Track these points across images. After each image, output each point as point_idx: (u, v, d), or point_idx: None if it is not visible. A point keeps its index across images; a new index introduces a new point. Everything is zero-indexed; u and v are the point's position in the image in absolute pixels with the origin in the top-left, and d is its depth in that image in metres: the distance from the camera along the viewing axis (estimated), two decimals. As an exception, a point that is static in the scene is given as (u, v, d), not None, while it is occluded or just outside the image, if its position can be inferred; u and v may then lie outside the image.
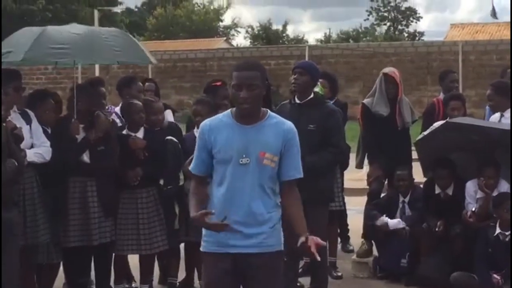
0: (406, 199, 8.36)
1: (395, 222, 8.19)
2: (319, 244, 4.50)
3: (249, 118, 4.57)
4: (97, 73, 14.20)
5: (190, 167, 4.77)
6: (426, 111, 9.33)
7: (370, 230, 8.45)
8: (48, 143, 7.02)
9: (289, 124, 4.68)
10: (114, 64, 8.75)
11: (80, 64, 7.60)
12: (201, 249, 4.71)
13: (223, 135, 4.56)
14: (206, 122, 4.69)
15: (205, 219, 4.41)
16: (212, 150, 4.59)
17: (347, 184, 9.17)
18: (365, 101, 8.74)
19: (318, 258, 4.46)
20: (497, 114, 8.15)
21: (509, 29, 45.17)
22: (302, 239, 4.48)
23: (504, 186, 7.74)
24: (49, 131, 7.21)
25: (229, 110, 4.69)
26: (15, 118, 6.83)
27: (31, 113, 7.05)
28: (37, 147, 6.94)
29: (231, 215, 4.48)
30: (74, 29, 7.67)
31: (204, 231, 4.66)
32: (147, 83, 9.26)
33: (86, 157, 7.18)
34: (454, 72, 10.02)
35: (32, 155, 6.82)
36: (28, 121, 7.00)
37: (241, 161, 4.51)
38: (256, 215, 4.55)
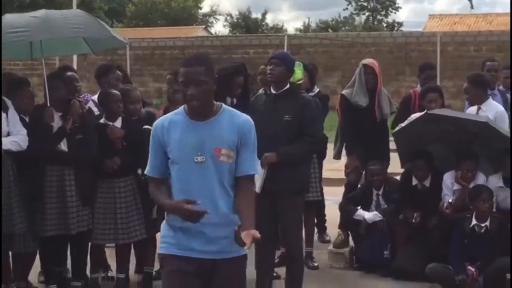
0: (380, 192, 8.39)
1: (371, 215, 8.22)
2: (255, 237, 4.16)
3: (201, 114, 4.35)
4: (74, 60, 14.08)
5: (146, 171, 4.52)
6: (402, 101, 9.35)
7: (349, 224, 8.46)
8: (25, 131, 6.98)
9: (244, 117, 4.45)
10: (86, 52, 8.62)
11: (42, 48, 7.46)
12: (160, 251, 4.47)
13: (176, 133, 4.35)
14: (158, 121, 4.46)
15: (184, 205, 4.17)
16: (167, 150, 4.37)
17: (325, 174, 9.17)
18: (344, 92, 8.74)
19: (246, 248, 4.18)
20: (474, 107, 8.18)
21: (486, 21, 45.37)
22: (236, 228, 4.24)
23: (480, 179, 7.77)
24: (27, 119, 7.17)
25: (182, 107, 4.47)
26: None
27: (8, 101, 7.01)
28: (13, 135, 6.90)
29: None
30: (35, 13, 7.58)
31: (163, 231, 4.45)
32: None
33: (63, 146, 7.14)
34: (433, 69, 10.00)
35: (8, 143, 6.79)
36: (5, 109, 6.95)
37: (196, 159, 4.29)
38: (220, 215, 4.31)
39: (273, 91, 6.95)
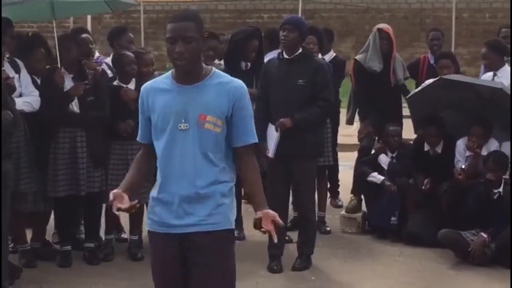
0: (394, 155, 8.38)
1: (378, 178, 8.24)
2: (276, 223, 3.98)
3: (188, 76, 4.02)
4: (88, 23, 14.06)
5: (138, 137, 4.30)
6: (410, 64, 9.30)
7: (361, 186, 8.49)
8: (37, 92, 7.02)
9: (236, 82, 4.08)
10: (104, 12, 8.56)
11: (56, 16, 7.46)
12: (146, 227, 4.30)
13: (161, 98, 4.05)
14: (145, 85, 4.20)
15: (116, 203, 4.01)
16: (150, 116, 4.11)
17: (338, 139, 9.17)
18: (358, 57, 8.71)
19: (275, 240, 3.99)
20: (490, 73, 8.15)
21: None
22: (258, 214, 4.01)
23: (493, 145, 7.76)
24: (39, 81, 7.18)
25: (170, 71, 4.15)
26: (5, 67, 6.82)
27: (20, 62, 7.03)
28: (25, 96, 6.93)
29: (172, 188, 4.05)
30: None
31: (149, 206, 4.25)
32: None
33: (75, 107, 7.16)
34: (437, 30, 9.94)
35: (21, 104, 6.82)
36: (17, 70, 6.98)
37: (180, 126, 3.99)
38: (199, 188, 4.01)
39: (286, 56, 6.96)
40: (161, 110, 4.05)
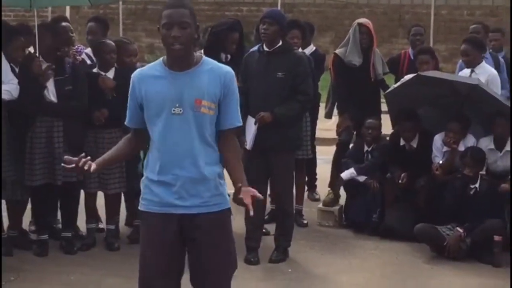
0: (370, 149, 8.42)
1: (348, 173, 8.27)
2: (255, 196, 4.11)
3: (182, 62, 4.15)
4: (67, 13, 14.02)
5: (126, 122, 4.38)
6: (389, 61, 9.33)
7: (345, 183, 8.50)
8: (16, 80, 6.98)
9: (226, 68, 4.27)
10: (83, 4, 8.49)
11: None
12: (140, 207, 4.32)
13: (154, 85, 4.17)
14: (136, 72, 4.30)
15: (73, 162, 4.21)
16: (143, 103, 4.20)
17: (316, 133, 9.20)
18: (338, 51, 8.72)
19: (251, 213, 4.07)
20: (468, 70, 8.20)
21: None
22: (237, 186, 4.09)
23: (470, 141, 7.81)
24: (17, 69, 7.14)
25: (160, 59, 4.27)
26: None
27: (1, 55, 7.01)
28: (4, 84, 6.90)
29: (174, 171, 4.15)
30: None
31: (142, 188, 4.30)
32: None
33: (53, 97, 7.13)
34: (419, 26, 9.97)
35: (4, 93, 6.79)
36: None
37: (173, 110, 4.11)
38: (201, 168, 4.15)
39: (266, 49, 6.99)
40: (155, 96, 4.16)
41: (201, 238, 4.21)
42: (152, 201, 4.24)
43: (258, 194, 4.15)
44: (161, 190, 4.20)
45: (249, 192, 4.12)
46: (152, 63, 4.34)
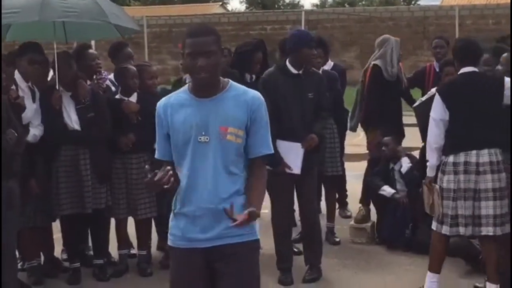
0: (397, 167, 8.35)
1: (391, 191, 8.22)
2: (249, 216, 3.94)
3: (207, 89, 4.04)
4: (92, 41, 14.09)
5: (156, 155, 4.24)
6: (415, 74, 9.32)
7: (374, 199, 8.45)
8: (42, 126, 6.98)
9: (254, 93, 4.12)
10: (114, 37, 8.53)
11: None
12: (168, 242, 4.26)
13: (179, 113, 4.05)
14: (161, 101, 4.17)
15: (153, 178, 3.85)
16: (170, 132, 4.10)
17: (346, 149, 9.15)
18: (377, 61, 8.65)
19: (231, 224, 3.92)
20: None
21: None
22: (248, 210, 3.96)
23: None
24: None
25: (185, 86, 4.19)
26: (24, 92, 6.84)
27: (37, 93, 7.02)
28: (33, 127, 6.91)
29: (195, 202, 4.03)
30: None
31: (170, 221, 4.22)
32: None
33: (76, 125, 7.12)
34: (441, 38, 9.91)
35: (30, 136, 6.81)
36: (34, 98, 6.99)
37: (200, 139, 3.99)
38: (221, 200, 4.00)
39: (293, 70, 6.93)
40: (182, 125, 4.05)
41: (224, 270, 4.09)
42: (177, 236, 4.16)
43: (254, 210, 3.97)
44: (184, 224, 4.11)
45: (248, 212, 3.97)
46: (176, 92, 4.25)
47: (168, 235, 4.24)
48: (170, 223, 4.23)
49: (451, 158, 6.33)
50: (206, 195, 4.01)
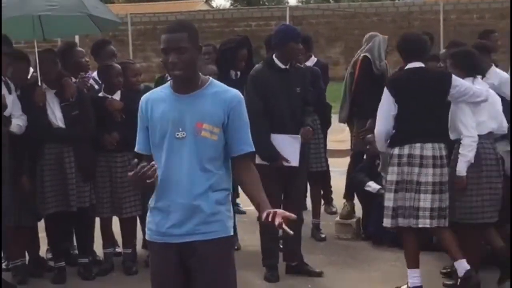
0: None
1: (376, 186, 8.22)
2: (287, 217, 3.90)
3: (185, 86, 4.06)
4: (76, 38, 14.02)
5: (136, 148, 4.26)
6: (400, 68, 9.31)
7: (357, 194, 8.46)
8: (24, 116, 6.94)
9: (233, 91, 4.12)
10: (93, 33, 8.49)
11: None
12: (146, 237, 4.28)
13: (159, 108, 4.09)
14: (144, 96, 4.23)
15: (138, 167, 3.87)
16: (149, 126, 4.14)
17: (329, 145, 9.14)
18: (367, 54, 8.66)
19: (291, 233, 3.87)
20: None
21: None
22: (266, 212, 3.94)
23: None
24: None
25: (169, 82, 4.23)
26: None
27: (12, 84, 6.98)
28: (16, 117, 6.88)
29: (169, 197, 4.06)
30: None
31: (147, 216, 4.23)
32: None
33: (60, 123, 7.10)
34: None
35: (14, 126, 6.78)
36: (10, 91, 6.94)
37: (177, 135, 4.02)
38: (194, 195, 4.02)
39: (280, 65, 6.91)
40: (159, 120, 4.09)
41: (197, 266, 4.10)
42: (153, 231, 4.18)
43: (290, 215, 3.94)
44: (159, 218, 4.13)
45: (280, 214, 3.91)
46: (160, 87, 4.30)
47: (146, 229, 4.26)
48: (147, 218, 4.25)
49: (396, 151, 6.48)
50: (180, 191, 4.03)
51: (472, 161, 6.52)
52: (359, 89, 8.73)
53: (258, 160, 6.66)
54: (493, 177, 6.68)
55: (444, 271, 7.06)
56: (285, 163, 6.86)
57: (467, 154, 6.48)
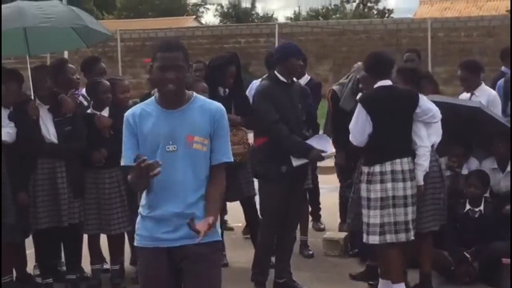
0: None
1: None
2: (210, 224, 4.08)
3: (174, 101, 4.27)
4: (66, 53, 14.03)
5: (123, 162, 4.33)
6: None
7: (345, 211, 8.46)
8: (12, 124, 6.95)
9: (216, 104, 4.38)
10: (80, 47, 8.52)
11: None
12: (135, 243, 4.41)
13: (147, 123, 4.26)
14: (130, 110, 4.37)
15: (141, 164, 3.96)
16: (139, 140, 4.28)
17: (319, 162, 9.12)
18: (335, 87, 8.55)
19: (200, 236, 4.02)
20: (467, 94, 8.21)
21: (476, 6, 45.36)
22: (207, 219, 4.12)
23: (473, 164, 7.78)
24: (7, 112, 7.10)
25: (152, 97, 4.40)
26: None
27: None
28: (4, 126, 6.89)
29: (165, 207, 4.23)
30: (10, 4, 7.49)
31: (137, 223, 4.39)
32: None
33: (54, 138, 7.12)
34: (412, 51, 9.91)
35: (4, 134, 6.79)
36: None
37: (168, 148, 4.21)
38: (190, 204, 4.23)
39: (284, 80, 6.97)
40: (149, 135, 4.26)
41: (189, 268, 4.29)
42: (144, 236, 4.33)
43: (212, 222, 4.11)
44: (151, 225, 4.29)
45: (206, 221, 4.10)
46: (142, 103, 4.45)
47: (135, 235, 4.39)
48: (137, 226, 4.40)
49: (377, 168, 6.54)
50: (174, 201, 4.23)
51: (428, 170, 6.68)
52: (333, 117, 8.68)
53: (295, 162, 6.82)
54: (437, 188, 6.90)
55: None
56: (322, 154, 7.01)
57: (423, 163, 6.67)
